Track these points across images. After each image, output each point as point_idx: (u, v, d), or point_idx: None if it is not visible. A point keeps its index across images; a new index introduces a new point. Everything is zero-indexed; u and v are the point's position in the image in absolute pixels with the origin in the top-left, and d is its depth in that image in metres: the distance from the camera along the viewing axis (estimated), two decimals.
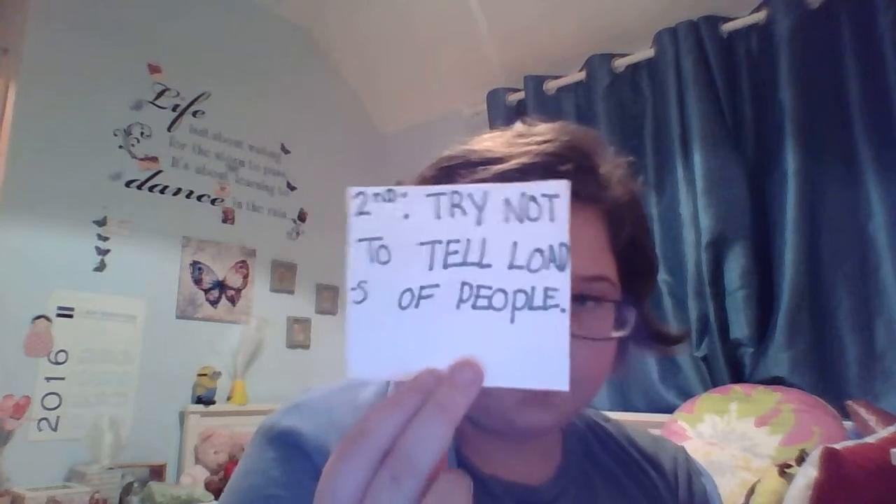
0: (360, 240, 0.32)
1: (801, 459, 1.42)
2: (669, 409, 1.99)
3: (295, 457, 0.49)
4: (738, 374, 2.02)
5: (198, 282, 2.54)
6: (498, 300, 0.29)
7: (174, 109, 2.55)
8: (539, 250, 0.29)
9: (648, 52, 2.34)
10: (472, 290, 0.30)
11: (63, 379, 2.13)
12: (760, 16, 2.10)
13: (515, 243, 0.30)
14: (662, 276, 2.18)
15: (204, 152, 2.62)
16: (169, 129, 2.52)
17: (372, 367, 0.31)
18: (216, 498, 2.10)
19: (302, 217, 2.96)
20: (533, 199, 0.29)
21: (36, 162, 2.15)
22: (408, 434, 0.26)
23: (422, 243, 0.31)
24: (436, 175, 0.51)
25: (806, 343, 1.90)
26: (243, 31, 2.83)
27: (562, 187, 0.29)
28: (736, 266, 2.04)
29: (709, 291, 2.07)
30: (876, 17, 1.91)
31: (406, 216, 0.31)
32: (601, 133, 0.55)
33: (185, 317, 2.48)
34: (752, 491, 1.48)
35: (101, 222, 2.28)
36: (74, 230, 2.22)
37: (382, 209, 0.31)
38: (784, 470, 1.43)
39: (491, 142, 0.51)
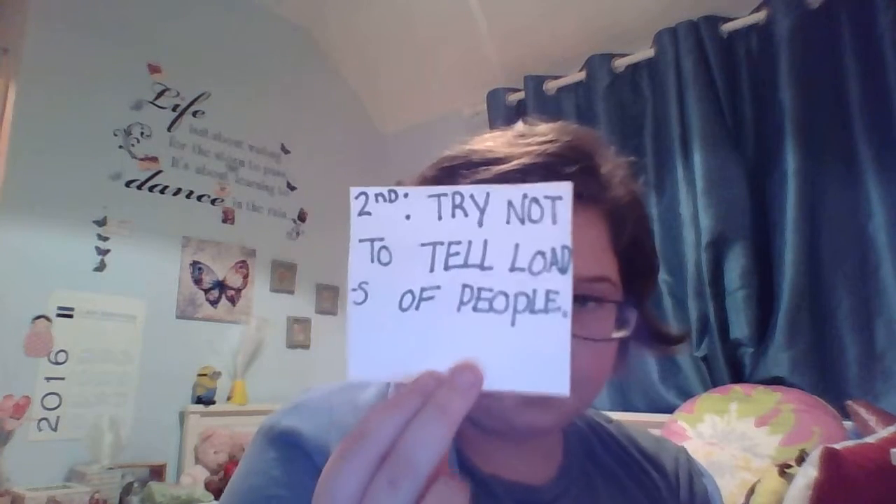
0: (362, 240, 0.32)
1: (801, 459, 1.42)
2: (669, 409, 1.99)
3: (295, 457, 0.49)
4: (738, 374, 2.02)
5: (198, 282, 2.53)
6: (499, 303, 0.29)
7: (174, 109, 2.55)
8: (541, 253, 0.29)
9: (648, 52, 2.34)
10: (473, 292, 0.30)
11: (63, 379, 2.13)
12: (760, 16, 2.10)
13: (517, 245, 0.29)
14: (662, 276, 2.18)
15: (204, 152, 2.62)
16: (169, 129, 2.52)
17: (372, 369, 0.31)
18: (216, 498, 2.10)
19: (302, 217, 2.96)
20: (535, 200, 0.29)
21: (36, 162, 2.15)
22: (406, 436, 0.26)
23: (423, 244, 0.31)
24: (436, 175, 0.51)
25: (806, 343, 1.90)
26: (243, 31, 2.83)
27: (564, 189, 0.29)
28: (736, 266, 2.04)
29: (709, 291, 2.07)
30: (876, 17, 1.91)
31: (408, 217, 0.31)
32: (601, 133, 0.54)
33: (185, 317, 2.48)
34: (752, 491, 1.48)
35: (101, 222, 2.28)
36: (74, 230, 2.22)
37: (384, 210, 0.31)
38: (784, 470, 1.43)
39: (492, 142, 0.51)
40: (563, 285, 0.29)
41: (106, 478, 2.00)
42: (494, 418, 0.49)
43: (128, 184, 2.37)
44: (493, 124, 2.68)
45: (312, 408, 0.52)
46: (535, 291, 0.29)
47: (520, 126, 0.54)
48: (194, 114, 2.61)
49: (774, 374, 1.90)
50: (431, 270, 0.30)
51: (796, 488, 1.34)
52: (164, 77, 2.52)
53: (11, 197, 2.09)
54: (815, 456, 1.35)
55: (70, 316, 2.17)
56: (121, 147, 2.37)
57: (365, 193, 0.32)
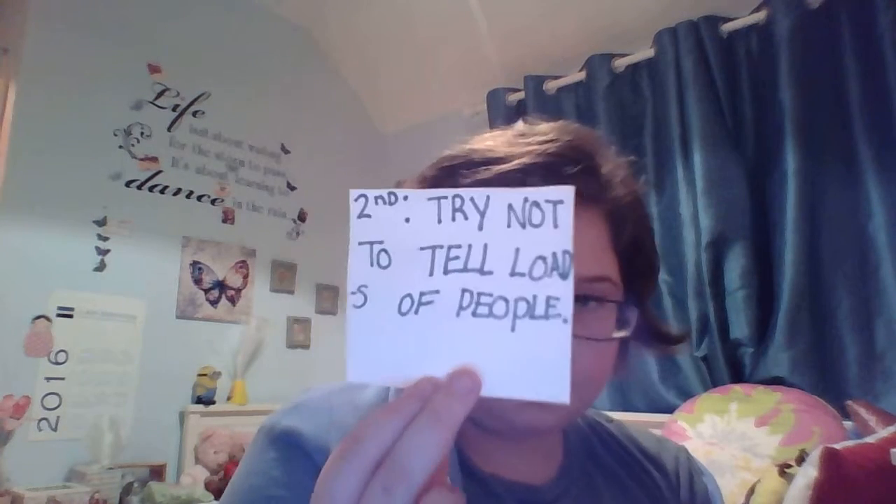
0: (361, 243, 0.31)
1: (801, 459, 1.42)
2: (669, 409, 1.99)
3: (295, 457, 0.49)
4: (738, 374, 2.02)
5: (198, 282, 2.53)
6: (499, 308, 0.29)
7: (174, 109, 2.54)
8: (542, 258, 0.29)
9: (648, 52, 2.34)
10: (472, 297, 0.29)
11: (63, 379, 2.13)
12: (760, 16, 2.10)
13: (518, 250, 0.29)
14: (662, 276, 2.18)
15: (204, 152, 2.62)
16: (169, 129, 2.52)
17: (372, 372, 0.31)
18: (216, 498, 2.10)
19: (302, 217, 2.96)
20: (536, 204, 0.29)
21: (36, 162, 2.15)
22: (402, 442, 0.26)
23: (423, 248, 0.30)
24: (437, 175, 0.51)
25: (806, 343, 1.90)
26: (243, 31, 2.83)
27: (566, 193, 0.29)
28: (736, 266, 2.04)
29: (709, 291, 2.07)
30: (876, 17, 1.91)
31: (407, 220, 0.31)
32: (601, 133, 0.54)
33: (185, 317, 2.48)
34: (752, 491, 1.48)
35: (101, 222, 2.28)
36: (74, 230, 2.22)
37: (384, 212, 0.31)
38: (784, 470, 1.43)
39: (492, 141, 0.51)
40: (564, 291, 0.28)
41: (106, 478, 2.00)
42: (495, 418, 0.49)
43: (128, 184, 2.37)
44: (493, 124, 2.68)
45: (313, 408, 0.52)
46: (535, 297, 0.29)
47: (520, 125, 0.54)
48: (194, 114, 2.61)
49: (774, 374, 1.90)
50: (431, 274, 0.30)
51: (796, 488, 1.34)
52: (164, 77, 2.52)
53: (11, 197, 2.09)
54: (815, 456, 1.35)
55: (70, 316, 2.17)
56: (121, 147, 2.37)
57: (364, 196, 0.31)
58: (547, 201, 0.29)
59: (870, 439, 1.43)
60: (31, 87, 2.17)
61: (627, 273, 0.52)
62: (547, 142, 0.49)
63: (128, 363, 2.29)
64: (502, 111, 2.71)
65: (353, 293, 0.31)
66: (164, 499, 1.99)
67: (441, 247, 0.30)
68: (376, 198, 0.31)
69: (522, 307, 0.29)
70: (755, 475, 1.55)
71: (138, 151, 2.42)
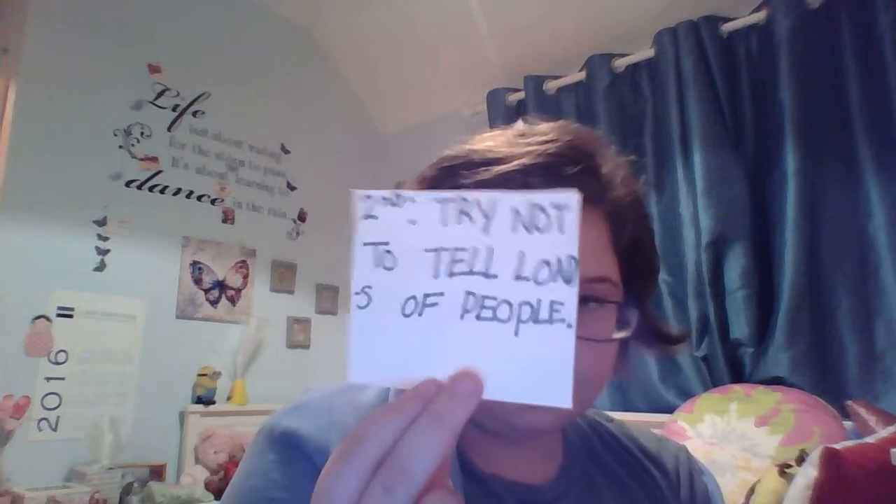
0: (366, 244, 0.31)
1: (801, 459, 1.42)
2: (669, 409, 1.99)
3: (295, 458, 0.49)
4: (738, 374, 2.02)
5: (198, 282, 2.53)
6: (503, 312, 0.29)
7: (174, 109, 2.54)
8: (546, 262, 0.29)
9: (648, 52, 2.34)
10: (476, 300, 0.29)
11: (63, 379, 2.13)
12: (760, 16, 2.10)
13: (523, 254, 0.29)
14: (662, 276, 2.18)
15: (204, 152, 2.62)
16: (169, 129, 2.52)
17: (374, 373, 0.31)
18: (216, 498, 2.10)
19: (302, 217, 2.96)
20: (542, 208, 0.29)
21: (36, 162, 2.15)
22: (403, 443, 0.26)
23: (427, 250, 0.30)
24: (436, 175, 0.51)
25: (806, 343, 1.90)
26: (243, 31, 2.83)
27: (572, 198, 0.29)
28: (736, 266, 2.04)
29: (709, 291, 2.07)
30: (876, 17, 1.91)
31: (413, 222, 0.31)
32: (601, 133, 0.54)
33: (185, 317, 2.48)
34: (752, 491, 1.48)
35: (101, 222, 2.28)
36: (74, 230, 2.22)
37: (389, 214, 0.31)
38: (784, 470, 1.43)
39: (492, 141, 0.50)
40: (569, 296, 0.28)
41: (106, 478, 2.00)
42: (496, 420, 0.49)
43: (128, 184, 2.37)
44: (493, 124, 2.68)
45: (313, 408, 0.52)
46: (539, 301, 0.29)
47: (520, 125, 0.53)
48: (194, 114, 2.61)
49: (774, 374, 1.90)
50: (435, 276, 0.30)
51: (796, 488, 1.34)
52: (164, 77, 2.52)
53: (11, 197, 2.09)
54: (815, 456, 1.36)
55: (70, 316, 2.17)
56: (121, 147, 2.37)
57: (370, 196, 0.31)
58: (553, 206, 0.29)
59: (870, 439, 1.43)
60: (31, 87, 2.17)
61: (627, 273, 0.52)
62: (547, 142, 0.49)
63: (128, 363, 2.29)
64: (502, 111, 2.71)
65: (357, 294, 0.31)
66: (164, 499, 1.99)
67: (446, 249, 0.30)
68: (382, 199, 0.31)
69: (526, 311, 0.29)
70: (755, 475, 1.55)
71: (138, 151, 2.42)
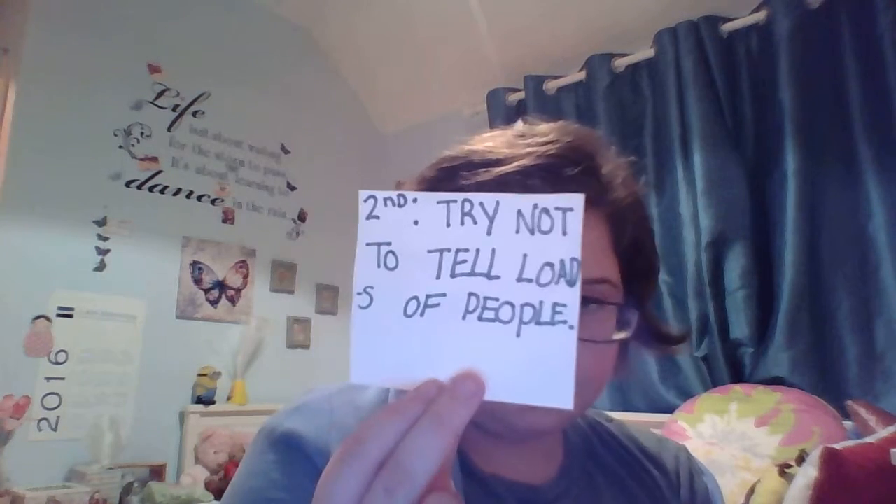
0: (369, 244, 0.31)
1: (801, 459, 1.42)
2: (669, 409, 1.99)
3: (296, 459, 0.49)
4: (738, 374, 2.02)
5: (198, 282, 2.53)
6: (505, 313, 0.29)
7: (174, 109, 2.54)
8: (549, 264, 0.29)
9: (648, 52, 2.34)
10: (478, 301, 0.29)
11: (63, 379, 2.13)
12: (760, 16, 2.10)
13: (525, 255, 0.29)
14: (662, 277, 2.18)
15: (204, 152, 2.62)
16: (169, 129, 2.52)
17: (375, 373, 0.31)
18: (216, 498, 2.10)
19: (302, 217, 2.96)
20: (545, 211, 0.29)
21: (36, 162, 2.15)
22: (405, 445, 0.26)
23: (430, 251, 0.30)
24: (436, 175, 0.51)
25: (806, 343, 1.90)
26: (243, 31, 2.83)
27: (576, 201, 0.29)
28: (736, 266, 2.04)
29: (709, 291, 2.07)
30: (876, 17, 1.91)
31: (416, 222, 0.31)
32: (601, 133, 0.54)
33: (185, 317, 2.48)
34: (752, 491, 1.48)
35: (101, 222, 2.28)
36: (74, 230, 2.22)
37: (392, 214, 0.31)
38: (784, 470, 1.43)
39: (492, 142, 0.50)
40: (571, 298, 0.28)
41: (106, 478, 2.00)
42: (497, 421, 0.49)
43: (128, 184, 2.37)
44: (493, 124, 2.68)
45: (313, 409, 0.52)
46: (541, 303, 0.29)
47: (520, 125, 0.53)
48: (194, 114, 2.61)
49: (774, 374, 1.90)
50: (438, 277, 0.30)
51: (796, 488, 1.34)
52: (164, 77, 2.52)
53: (11, 197, 2.09)
54: (815, 456, 1.36)
55: (70, 316, 2.17)
56: (121, 147, 2.37)
57: (374, 197, 0.31)
58: (556, 208, 0.29)
59: (870, 439, 1.43)
60: (31, 87, 2.17)
61: (628, 274, 0.52)
62: (547, 143, 0.48)
63: (128, 363, 2.29)
64: (502, 111, 2.71)
65: (359, 294, 0.31)
66: (164, 499, 1.99)
67: (449, 250, 0.30)
68: (385, 199, 0.31)
69: (528, 313, 0.29)
70: (755, 475, 1.55)
71: (138, 151, 2.42)
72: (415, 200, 0.31)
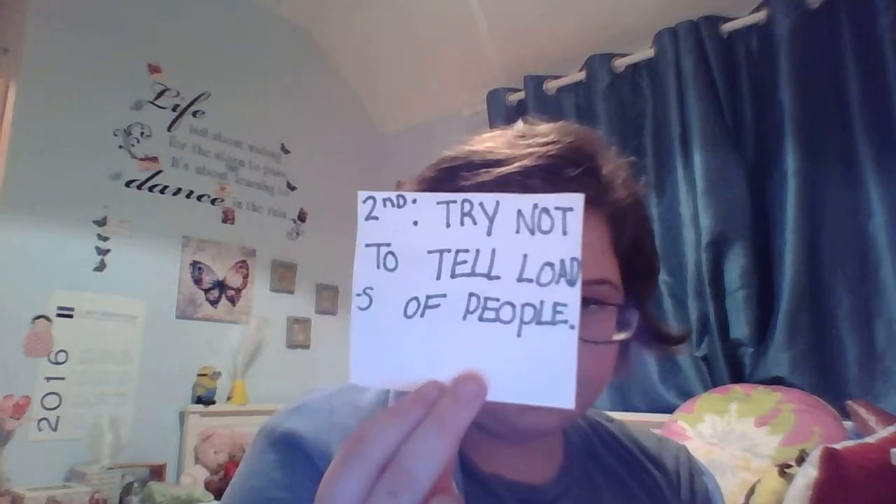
0: (368, 245, 0.31)
1: (801, 459, 1.42)
2: (669, 409, 1.99)
3: (296, 459, 0.49)
4: (738, 374, 2.02)
5: (198, 282, 2.53)
6: (505, 313, 0.29)
7: (174, 109, 2.54)
8: (550, 264, 0.29)
9: (648, 52, 2.34)
10: (479, 301, 0.29)
11: (63, 379, 2.13)
12: (760, 16, 2.10)
13: (526, 256, 0.29)
14: (662, 277, 2.18)
15: (204, 152, 2.62)
16: (169, 129, 2.52)
17: (375, 375, 0.31)
18: (216, 498, 2.10)
19: (302, 217, 2.96)
20: (545, 211, 0.29)
21: (36, 162, 2.15)
22: (407, 447, 0.26)
23: (430, 251, 0.30)
24: (436, 176, 0.51)
25: (806, 343, 1.90)
26: (243, 31, 2.83)
27: (576, 201, 0.29)
28: (736, 266, 2.04)
29: (709, 291, 2.07)
30: (876, 17, 1.91)
31: (415, 223, 0.31)
32: (601, 133, 0.54)
33: (185, 317, 2.48)
34: (752, 491, 1.48)
35: (101, 222, 2.28)
36: (74, 230, 2.22)
37: (391, 215, 0.31)
38: (784, 470, 1.43)
39: (492, 142, 0.50)
40: (572, 298, 0.28)
41: (106, 478, 2.00)
42: (498, 421, 0.49)
43: (128, 184, 2.37)
44: (493, 124, 2.68)
45: (313, 409, 0.52)
46: (542, 303, 0.29)
47: (520, 126, 0.53)
48: (194, 114, 2.61)
49: (774, 374, 1.90)
50: (438, 278, 0.30)
51: (796, 488, 1.34)
52: (164, 77, 2.52)
53: (11, 197, 2.09)
54: (815, 456, 1.36)
55: (70, 316, 2.17)
56: (121, 147, 2.37)
57: (373, 197, 0.31)
58: (557, 208, 0.29)
59: (870, 439, 1.43)
60: (31, 87, 2.17)
61: (628, 275, 0.52)
62: (547, 143, 0.48)
63: (128, 363, 2.29)
64: (502, 111, 2.71)
65: (359, 295, 0.31)
66: (164, 499, 1.99)
67: (449, 251, 0.30)
68: (384, 200, 0.31)
69: (529, 313, 0.29)
70: (755, 475, 1.55)
71: (138, 151, 2.42)
72: (414, 201, 0.31)
